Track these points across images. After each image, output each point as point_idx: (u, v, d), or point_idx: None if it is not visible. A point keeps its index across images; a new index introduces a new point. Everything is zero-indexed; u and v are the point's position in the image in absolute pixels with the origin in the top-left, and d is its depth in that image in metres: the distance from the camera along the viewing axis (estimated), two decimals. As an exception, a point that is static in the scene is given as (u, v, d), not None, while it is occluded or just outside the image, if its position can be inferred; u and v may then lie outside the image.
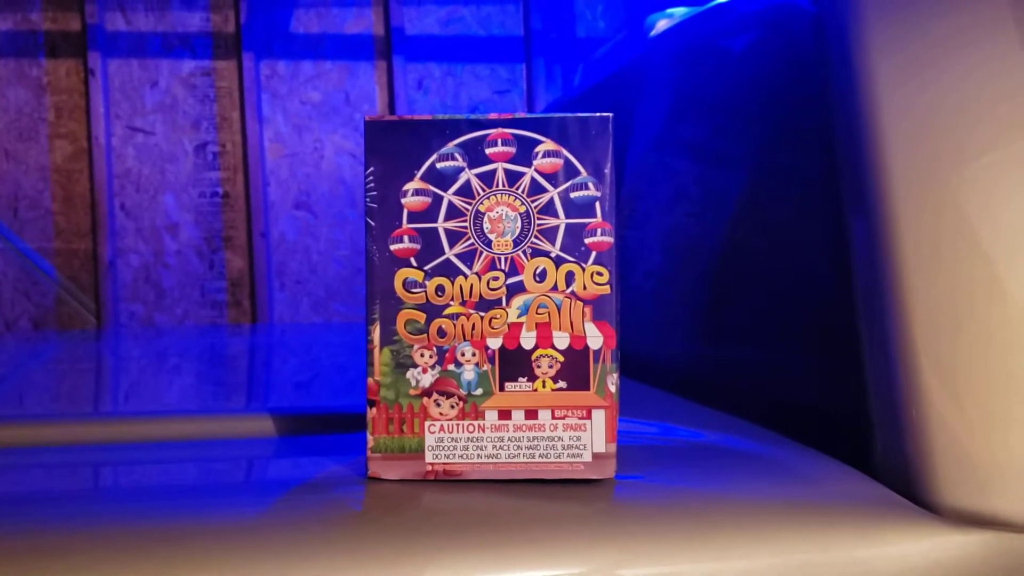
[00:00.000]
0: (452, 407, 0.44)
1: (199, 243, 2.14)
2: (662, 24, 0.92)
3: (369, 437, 0.45)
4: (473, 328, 0.44)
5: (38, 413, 0.68)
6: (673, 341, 0.75)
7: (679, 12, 0.92)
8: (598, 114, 0.44)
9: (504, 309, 0.44)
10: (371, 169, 0.45)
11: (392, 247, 0.45)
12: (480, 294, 0.44)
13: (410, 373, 0.45)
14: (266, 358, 1.10)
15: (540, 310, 0.44)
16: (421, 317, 0.44)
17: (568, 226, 0.44)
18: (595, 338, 0.44)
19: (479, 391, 0.44)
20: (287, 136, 2.17)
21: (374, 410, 0.45)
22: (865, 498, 0.46)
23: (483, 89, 2.25)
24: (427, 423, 0.45)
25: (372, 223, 0.45)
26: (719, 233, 0.68)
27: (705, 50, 0.75)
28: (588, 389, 0.44)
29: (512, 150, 0.44)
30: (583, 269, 0.44)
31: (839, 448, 0.52)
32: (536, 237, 0.44)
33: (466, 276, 0.44)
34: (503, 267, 0.44)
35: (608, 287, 0.44)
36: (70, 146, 2.14)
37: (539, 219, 0.44)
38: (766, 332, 0.62)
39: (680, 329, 0.74)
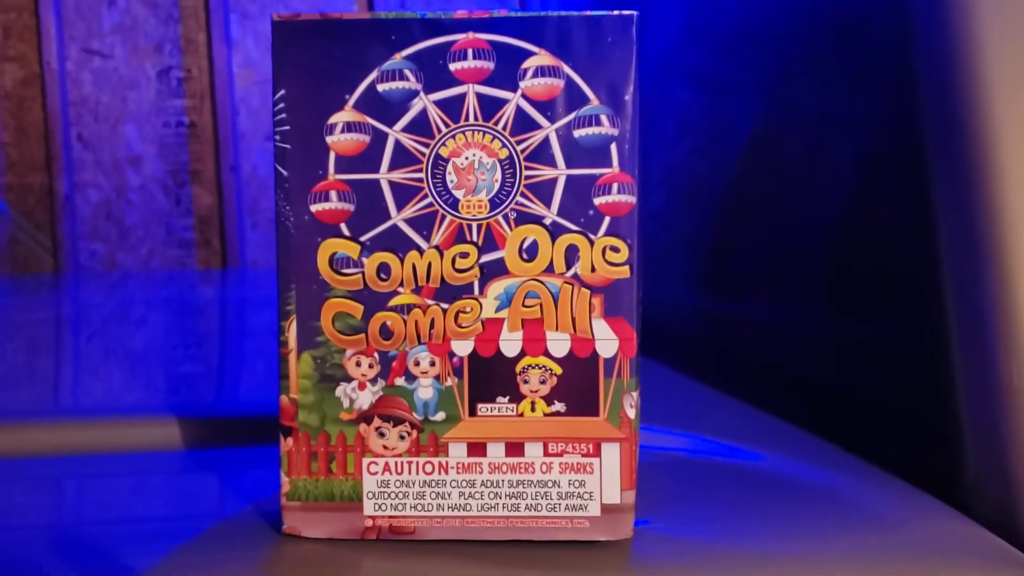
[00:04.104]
0: (402, 438, 0.31)
1: (164, 177, 1.98)
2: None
3: (284, 479, 0.32)
4: (432, 326, 0.31)
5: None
6: (676, 292, 0.63)
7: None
8: (616, 12, 0.30)
9: (477, 299, 0.31)
10: (281, 93, 0.31)
11: (314, 208, 0.31)
12: (442, 277, 0.31)
13: (341, 390, 0.31)
14: (219, 326, 0.97)
15: (528, 301, 0.31)
16: (357, 310, 0.31)
17: (570, 179, 0.30)
18: (607, 342, 0.31)
19: (440, 416, 0.31)
20: (258, 60, 1.99)
21: (290, 441, 0.31)
22: (960, 548, 0.34)
23: (471, 6, 2.07)
24: (366, 461, 0.31)
25: (284, 172, 0.31)
26: (737, 172, 0.56)
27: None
28: (596, 414, 0.31)
29: (489, 65, 0.30)
30: (591, 242, 0.30)
31: (899, 452, 0.40)
32: (523, 195, 0.30)
33: (422, 251, 0.31)
34: (475, 239, 0.31)
35: (627, 269, 0.30)
36: (20, 71, 1.96)
37: (528, 168, 0.30)
38: (791, 290, 0.49)
39: (686, 279, 0.63)
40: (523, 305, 0.31)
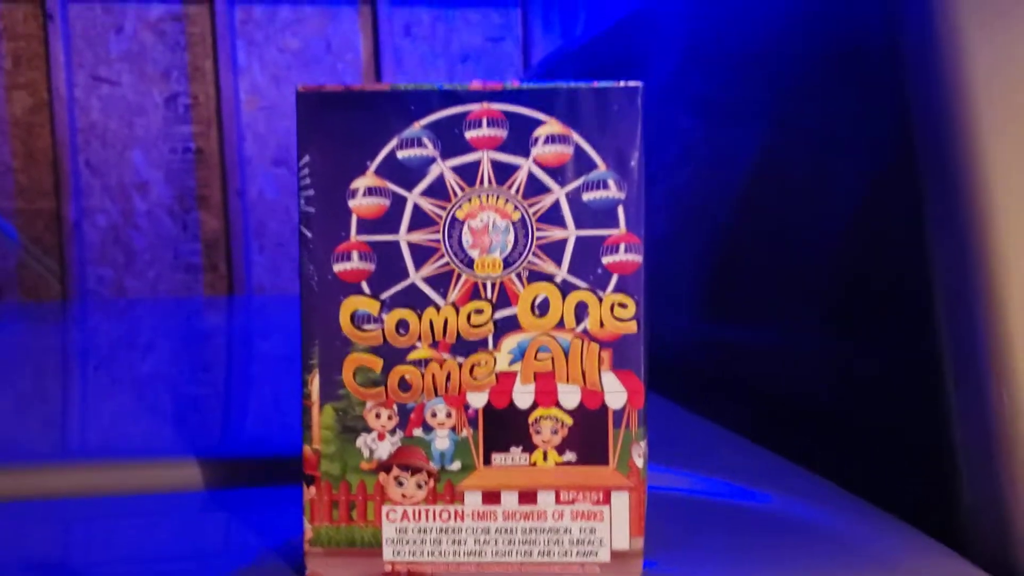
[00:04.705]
0: (419, 487, 0.33)
1: (171, 202, 2.00)
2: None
3: (307, 526, 0.33)
4: (448, 379, 0.32)
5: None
6: (679, 320, 0.64)
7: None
8: (623, 83, 0.32)
9: (491, 353, 0.32)
10: (306, 159, 0.32)
11: (336, 267, 0.32)
12: (458, 333, 0.32)
13: (361, 440, 0.33)
14: (226, 359, 0.99)
15: (540, 355, 0.32)
16: (377, 364, 0.32)
17: (580, 240, 0.32)
18: (616, 394, 0.32)
19: (456, 465, 0.33)
20: (264, 87, 2.02)
21: (313, 490, 0.33)
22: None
23: (475, 36, 2.10)
24: (385, 508, 0.33)
25: (308, 234, 0.32)
26: (742, 197, 0.57)
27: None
28: (606, 464, 0.32)
29: (502, 133, 0.32)
30: (600, 299, 0.32)
31: (890, 485, 0.42)
32: (535, 255, 0.32)
33: (439, 308, 0.32)
34: (490, 296, 0.32)
35: (634, 324, 0.32)
36: (29, 98, 1.99)
37: (539, 230, 0.32)
38: (789, 317, 0.50)
39: (688, 307, 0.64)
40: (535, 359, 0.32)
